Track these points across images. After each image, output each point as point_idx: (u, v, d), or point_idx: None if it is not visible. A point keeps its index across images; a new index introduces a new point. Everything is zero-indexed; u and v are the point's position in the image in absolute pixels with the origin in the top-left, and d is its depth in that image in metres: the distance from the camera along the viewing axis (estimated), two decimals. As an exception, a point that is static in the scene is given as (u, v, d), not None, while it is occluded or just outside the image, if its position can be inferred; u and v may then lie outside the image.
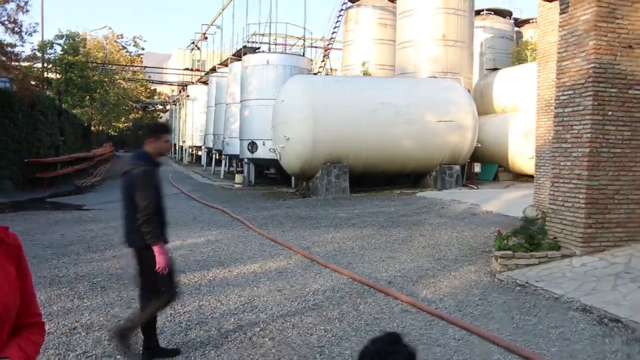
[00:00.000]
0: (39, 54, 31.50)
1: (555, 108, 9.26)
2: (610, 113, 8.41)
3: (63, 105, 30.77)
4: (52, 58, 32.96)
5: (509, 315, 6.43)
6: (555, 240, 8.81)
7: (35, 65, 32.29)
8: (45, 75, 31.53)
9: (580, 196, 8.46)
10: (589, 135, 8.39)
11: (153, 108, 72.90)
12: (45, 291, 7.10)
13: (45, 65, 31.85)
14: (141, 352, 5.04)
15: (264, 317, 6.21)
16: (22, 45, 39.15)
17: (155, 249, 4.88)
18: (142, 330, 5.06)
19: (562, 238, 8.77)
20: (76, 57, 33.68)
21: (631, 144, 8.52)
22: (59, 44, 33.48)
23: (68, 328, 5.77)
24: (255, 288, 7.42)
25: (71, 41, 34.12)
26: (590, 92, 8.37)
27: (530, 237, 8.74)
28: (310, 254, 9.53)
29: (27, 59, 30.52)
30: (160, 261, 4.86)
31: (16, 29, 21.76)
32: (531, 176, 16.22)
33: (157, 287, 4.98)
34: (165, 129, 5.39)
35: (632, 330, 5.82)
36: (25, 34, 22.80)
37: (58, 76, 33.45)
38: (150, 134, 5.17)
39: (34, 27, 23.86)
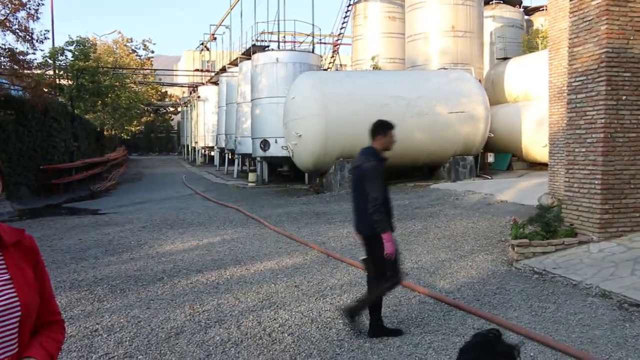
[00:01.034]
0: (50, 61, 31.77)
1: (568, 95, 9.19)
2: (624, 97, 8.33)
3: (75, 111, 31.01)
4: (64, 64, 33.25)
5: (527, 303, 6.41)
6: (572, 227, 8.75)
7: (47, 73, 32.57)
8: (57, 82, 31.80)
9: (596, 182, 8.39)
10: (603, 120, 8.32)
11: (164, 110, 73.30)
12: (66, 295, 7.19)
13: (56, 72, 32.12)
14: (368, 330, 5.48)
15: (282, 313, 6.24)
16: (34, 53, 39.61)
17: (384, 237, 5.24)
18: (369, 311, 5.49)
19: (578, 225, 8.71)
20: (87, 63, 33.94)
21: (646, 128, 8.43)
22: (70, 50, 33.77)
23: (89, 330, 5.83)
24: (273, 285, 7.45)
25: (82, 47, 34.37)
26: (604, 77, 8.30)
27: (546, 224, 8.69)
28: (326, 249, 9.55)
29: (39, 66, 30.78)
30: (387, 247, 5.24)
31: (27, 36, 21.93)
32: (545, 164, 16.10)
33: (384, 271, 5.37)
34: (391, 126, 5.77)
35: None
36: (37, 41, 22.95)
37: (70, 82, 33.73)
38: (378, 131, 5.64)
39: (44, 34, 23.99)
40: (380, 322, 5.51)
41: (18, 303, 1.88)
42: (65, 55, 33.51)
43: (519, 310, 6.20)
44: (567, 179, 9.15)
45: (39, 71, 29.14)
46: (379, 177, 5.36)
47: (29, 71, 23.07)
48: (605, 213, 8.33)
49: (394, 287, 5.67)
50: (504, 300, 6.59)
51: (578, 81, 8.85)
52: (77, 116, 30.72)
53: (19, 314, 1.88)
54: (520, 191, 14.99)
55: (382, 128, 5.64)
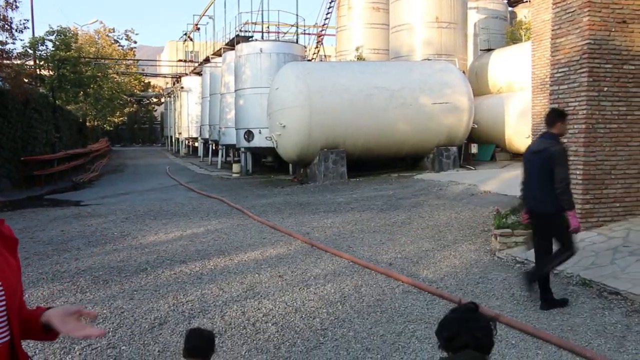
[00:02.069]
0: (30, 51, 31.29)
1: (551, 86, 9.27)
2: (605, 89, 8.42)
3: (57, 101, 30.62)
4: (44, 55, 32.76)
5: (510, 292, 6.48)
6: (554, 217, 8.84)
7: (27, 63, 32.10)
8: (38, 72, 31.37)
9: (578, 172, 8.48)
10: (584, 111, 8.40)
11: (148, 101, 72.68)
12: (48, 287, 7.13)
13: (37, 62, 31.65)
14: (541, 304, 5.89)
15: (266, 303, 6.24)
16: (13, 43, 39.02)
17: (570, 214, 5.75)
18: (541, 288, 5.93)
19: (560, 215, 8.80)
20: (68, 53, 33.50)
21: (627, 119, 8.54)
22: (51, 40, 33.25)
23: (72, 321, 5.78)
24: (257, 275, 7.45)
25: (62, 37, 33.87)
26: (585, 68, 8.38)
27: (528, 214, 8.77)
28: (310, 240, 9.56)
29: (19, 56, 30.32)
30: (573, 223, 5.75)
31: (6, 26, 21.59)
32: (528, 155, 16.21)
33: (565, 243, 5.89)
34: (566, 115, 6.24)
35: (631, 302, 5.87)
36: (16, 31, 22.63)
37: (51, 73, 33.28)
38: (557, 119, 5.98)
39: (24, 23, 23.64)
40: (550, 294, 5.93)
41: (2, 291, 1.86)
42: (46, 45, 33.01)
43: (501, 299, 6.27)
44: (549, 170, 9.22)
45: (18, 61, 28.69)
46: (566, 160, 5.87)
47: (8, 61, 22.73)
48: (587, 203, 8.43)
49: (569, 257, 6.05)
50: (486, 289, 6.65)
51: (560, 72, 8.93)
52: (59, 107, 30.34)
53: (4, 301, 1.86)
54: (503, 182, 15.10)
55: (560, 116, 6.04)
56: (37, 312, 2.00)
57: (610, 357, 4.63)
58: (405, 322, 5.59)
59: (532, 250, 6.36)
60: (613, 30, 8.39)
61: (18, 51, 28.34)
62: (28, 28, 25.50)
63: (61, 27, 34.47)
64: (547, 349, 4.87)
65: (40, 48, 32.09)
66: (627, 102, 8.52)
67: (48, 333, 2.00)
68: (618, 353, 4.75)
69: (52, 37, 33.27)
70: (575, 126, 8.56)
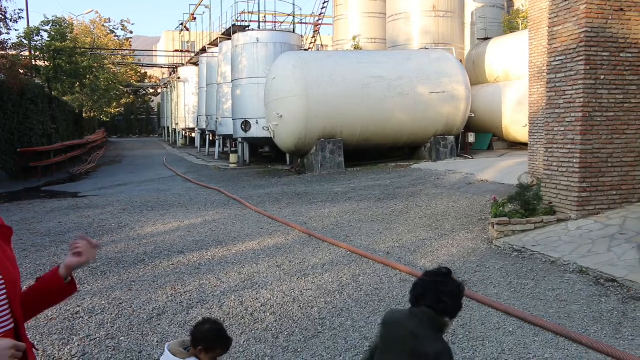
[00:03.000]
0: (25, 42, 31.10)
1: (548, 74, 9.25)
2: (602, 77, 8.41)
3: (53, 92, 30.48)
4: (40, 45, 32.54)
5: (507, 280, 6.50)
6: (551, 205, 8.87)
7: (22, 53, 31.93)
8: (34, 63, 31.19)
9: (575, 161, 8.49)
10: (581, 99, 8.39)
11: (144, 92, 72.44)
12: (46, 277, 7.12)
13: (32, 52, 31.46)
14: None
15: (264, 293, 6.26)
16: (8, 33, 38.68)
17: None
18: None
19: (557, 203, 8.83)
20: (64, 43, 33.26)
21: (624, 107, 8.53)
22: (46, 31, 32.99)
23: (71, 313, 5.80)
24: (255, 265, 7.46)
25: (58, 27, 33.61)
26: (582, 56, 8.36)
27: (525, 203, 8.80)
28: (308, 229, 9.57)
29: (14, 47, 30.13)
30: None
31: (0, 16, 21.47)
32: (525, 144, 16.24)
33: None
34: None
35: (627, 289, 5.90)
36: (10, 21, 22.52)
37: (46, 63, 33.09)
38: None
39: (18, 13, 23.55)
40: None
41: (2, 280, 1.90)
42: (41, 36, 32.74)
43: (498, 287, 6.29)
44: (546, 158, 9.25)
45: (13, 52, 28.54)
46: None
47: (3, 52, 22.58)
48: (583, 191, 8.45)
49: None
50: (483, 277, 6.68)
51: (557, 60, 8.91)
52: (55, 98, 30.19)
53: (4, 291, 1.91)
54: (500, 171, 15.12)
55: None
56: (53, 270, 2.19)
57: (607, 343, 4.66)
58: (403, 310, 5.60)
59: (529, 238, 6.37)
60: (610, 18, 8.37)
61: (13, 41, 28.21)
62: (23, 18, 25.22)
63: (56, 17, 34.21)
64: (544, 336, 4.89)
65: (36, 38, 31.86)
66: (624, 90, 8.51)
67: (69, 284, 2.23)
68: (614, 339, 4.78)
69: (48, 28, 33.02)
70: (573, 114, 8.57)
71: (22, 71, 25.02)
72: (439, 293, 2.31)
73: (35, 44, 31.75)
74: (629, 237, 7.31)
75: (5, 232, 2.03)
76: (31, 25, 30.63)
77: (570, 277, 6.49)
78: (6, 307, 1.92)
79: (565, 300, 5.77)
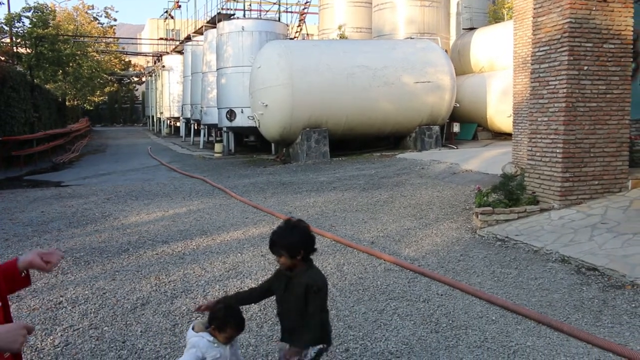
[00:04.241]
0: (6, 28, 30.63)
1: (532, 64, 9.30)
2: (585, 68, 8.47)
3: (35, 80, 30.09)
4: (21, 32, 32.06)
5: (490, 269, 6.56)
6: (534, 195, 8.95)
7: (3, 40, 31.46)
8: (15, 50, 30.75)
9: (558, 151, 8.56)
10: (565, 90, 8.45)
11: (128, 80, 71.74)
12: (28, 267, 7.06)
13: (13, 39, 31.00)
14: None
15: (249, 282, 6.26)
16: (-12, 19, 38.01)
17: None
18: None
19: (540, 192, 8.90)
20: (46, 30, 32.79)
21: (606, 98, 8.61)
22: (27, 17, 32.48)
23: (53, 303, 5.76)
24: (239, 254, 7.46)
25: (40, 13, 33.13)
26: (566, 47, 8.41)
27: (509, 192, 8.87)
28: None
29: (-6, 33, 29.70)
30: None
31: (-19, 2, 21.09)
32: (510, 134, 16.35)
33: None
34: None
35: (608, 278, 5.98)
36: (-9, 7, 22.11)
37: (28, 50, 32.64)
38: None
39: (-1, 0, 23.12)
40: None
41: None
42: (23, 22, 32.24)
43: (482, 276, 6.35)
44: (529, 148, 9.32)
45: (-6, 39, 28.13)
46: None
47: (-17, 39, 22.23)
48: (566, 181, 8.53)
49: None
50: (467, 266, 6.73)
51: (542, 51, 8.96)
52: (37, 86, 29.79)
53: None
54: (485, 160, 15.20)
55: None
56: (12, 261, 2.31)
57: (587, 331, 4.72)
58: (387, 299, 5.64)
59: (513, 228, 6.42)
60: (594, 9, 8.42)
61: (-7, 28, 27.77)
62: (3, 4, 24.99)
63: (38, 4, 33.71)
64: (526, 324, 4.95)
65: (17, 25, 31.38)
66: (607, 81, 8.59)
67: (24, 278, 2.32)
68: (595, 327, 4.85)
69: (29, 14, 32.52)
70: (556, 105, 8.63)
71: (2, 58, 24.67)
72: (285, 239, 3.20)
73: (16, 31, 31.28)
74: (610, 227, 7.40)
75: None
76: (12, 11, 30.14)
77: (552, 266, 6.56)
78: None
79: (547, 288, 5.84)
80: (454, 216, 9.46)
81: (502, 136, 22.68)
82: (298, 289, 3.15)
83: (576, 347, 4.46)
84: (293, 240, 3.15)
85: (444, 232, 8.45)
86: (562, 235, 7.45)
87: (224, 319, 3.02)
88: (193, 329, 3.06)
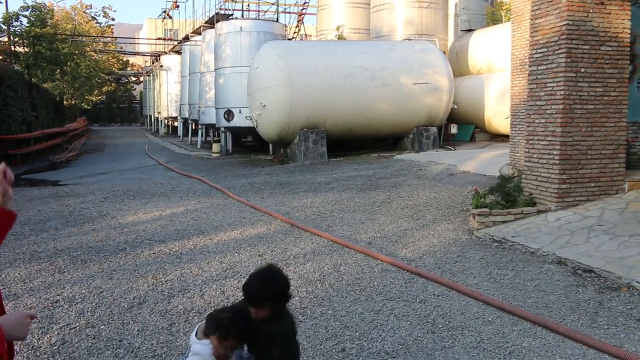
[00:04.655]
0: (4, 27, 30.57)
1: (529, 66, 9.33)
2: (583, 70, 8.50)
3: (33, 79, 30.05)
4: (19, 31, 32.01)
5: (487, 271, 6.58)
6: (531, 197, 8.97)
7: (0, 39, 31.41)
8: (13, 49, 30.70)
9: (555, 152, 8.59)
10: (562, 92, 8.48)
11: (126, 80, 71.67)
12: (25, 267, 7.06)
13: (11, 38, 30.94)
14: None
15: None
16: (-14, 18, 37.92)
17: None
18: None
19: (537, 194, 8.93)
20: (44, 29, 32.75)
21: (603, 100, 8.64)
22: (25, 16, 32.44)
23: (50, 302, 5.76)
24: (237, 254, 7.46)
25: (38, 13, 33.09)
26: (564, 49, 8.43)
27: (506, 194, 8.89)
28: (290, 219, 9.58)
29: (-8, 32, 29.63)
30: None
31: (-21, 1, 21.06)
32: (507, 136, 16.38)
33: None
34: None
35: (604, 279, 6.00)
36: (-11, 6, 22.10)
37: (26, 49, 32.59)
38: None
39: (-3, -2, 23.08)
40: None
41: None
42: (20, 21, 32.19)
43: (478, 277, 6.36)
44: (527, 150, 9.34)
45: (-8, 37, 28.09)
46: None
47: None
48: (563, 183, 8.55)
49: None
50: (464, 267, 6.74)
51: (539, 53, 8.98)
52: (35, 85, 29.76)
53: None
54: (482, 162, 15.22)
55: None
56: None
57: (583, 332, 4.74)
58: (383, 300, 5.65)
59: (509, 229, 6.44)
60: (591, 11, 8.45)
61: (-9, 27, 27.73)
62: (1, 2, 24.93)
63: (36, 3, 33.68)
64: (522, 325, 4.97)
65: (15, 24, 31.33)
66: (604, 83, 8.61)
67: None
68: (590, 328, 4.86)
69: (27, 13, 32.48)
70: (553, 107, 8.65)
71: (0, 57, 24.61)
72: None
73: (14, 30, 31.23)
74: (606, 229, 7.43)
75: None
76: (10, 10, 30.11)
77: (549, 268, 6.58)
78: None
79: (544, 290, 5.86)
80: (451, 217, 9.47)
81: (499, 138, 22.72)
82: (267, 339, 2.84)
83: (572, 349, 4.48)
84: (278, 289, 2.85)
85: (441, 233, 8.46)
86: (559, 237, 7.46)
87: (229, 328, 2.78)
88: (196, 334, 2.89)
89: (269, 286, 2.81)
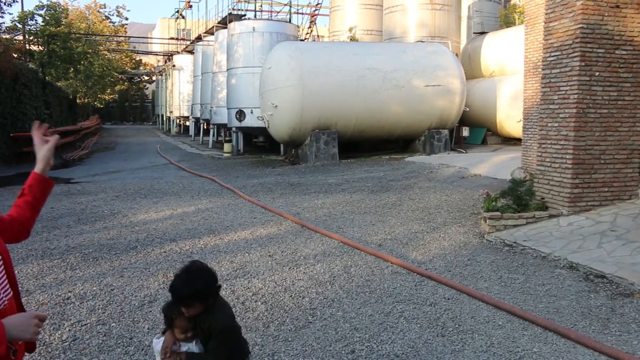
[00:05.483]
0: (19, 26, 30.87)
1: (543, 70, 9.27)
2: (597, 74, 8.43)
3: (47, 77, 30.30)
4: (34, 30, 32.30)
5: (497, 274, 6.54)
6: (543, 201, 8.92)
7: (16, 38, 31.69)
8: (27, 48, 30.97)
9: (567, 157, 8.53)
10: (575, 96, 8.42)
11: (139, 79, 72.12)
12: (38, 263, 7.12)
13: (26, 37, 31.23)
14: None
15: (256, 282, 6.27)
16: (2, 17, 38.34)
17: None
18: None
19: (549, 198, 8.87)
20: (58, 28, 33.05)
21: (617, 104, 8.57)
22: (40, 15, 32.76)
23: (62, 298, 5.80)
24: (247, 254, 7.48)
25: (52, 12, 33.39)
26: (578, 52, 8.38)
27: (518, 198, 8.84)
28: (301, 220, 9.59)
29: (8, 30, 29.93)
30: None
31: (-5, -1, 21.29)
32: (519, 139, 16.30)
33: None
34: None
35: (616, 285, 5.95)
36: (4, 4, 22.37)
37: (40, 48, 32.88)
38: None
39: (13, -3, 23.35)
40: None
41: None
42: (35, 20, 32.51)
43: (489, 281, 6.33)
44: (539, 154, 9.29)
45: (7, 36, 28.35)
46: None
47: (-3, 35, 22.42)
48: (576, 187, 8.49)
49: None
50: (474, 271, 6.71)
51: (553, 56, 8.93)
52: (49, 83, 30.01)
53: (1, 262, 2.02)
54: (494, 165, 15.17)
55: None
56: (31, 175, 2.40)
57: (595, 338, 4.70)
58: (393, 302, 5.64)
59: (521, 233, 6.40)
60: (606, 14, 8.39)
61: (7, 25, 28.02)
62: (17, 2, 25.24)
63: (51, 2, 33.98)
64: (533, 330, 4.94)
65: (30, 23, 31.65)
66: (618, 87, 8.55)
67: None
68: (602, 335, 4.82)
69: (42, 12, 32.80)
70: (566, 110, 8.60)
71: (15, 55, 24.86)
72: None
73: (29, 29, 31.52)
74: (619, 234, 7.37)
75: None
76: (25, 9, 30.38)
77: (560, 273, 6.54)
78: (4, 278, 2.03)
79: (555, 295, 5.82)
80: (462, 220, 9.44)
81: (511, 141, 22.61)
82: (207, 335, 2.79)
83: (583, 355, 4.45)
84: (204, 285, 2.75)
85: (451, 236, 8.43)
86: (571, 242, 7.41)
87: (166, 313, 2.86)
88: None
89: (195, 282, 2.72)
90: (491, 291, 5.95)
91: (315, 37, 35.30)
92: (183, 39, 48.79)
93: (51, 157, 2.43)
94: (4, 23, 26.42)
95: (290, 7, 29.79)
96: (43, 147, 2.42)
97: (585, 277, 6.31)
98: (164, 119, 53.46)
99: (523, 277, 6.44)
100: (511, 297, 5.78)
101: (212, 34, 30.84)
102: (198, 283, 2.72)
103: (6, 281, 2.02)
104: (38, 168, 2.40)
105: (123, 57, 59.77)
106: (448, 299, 5.75)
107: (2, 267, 2.01)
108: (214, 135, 31.67)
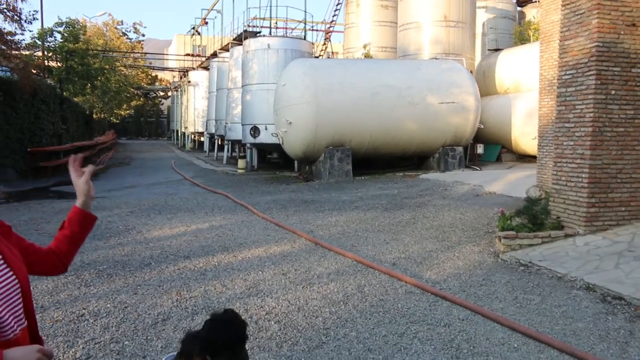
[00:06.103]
0: (39, 42, 31.34)
1: (558, 88, 9.23)
2: (613, 92, 8.38)
3: (64, 93, 30.69)
4: (52, 46, 32.79)
5: (513, 295, 6.47)
6: (559, 220, 8.83)
7: (35, 54, 32.16)
8: (46, 64, 31.42)
9: (583, 175, 8.46)
10: (591, 114, 8.37)
11: (154, 94, 72.79)
12: (52, 280, 7.15)
13: (45, 53, 31.70)
14: None
15: (269, 301, 6.26)
16: (22, 34, 38.94)
17: None
18: None
19: (565, 218, 8.78)
20: (76, 45, 33.51)
21: (634, 123, 8.50)
22: (59, 32, 33.25)
23: (76, 315, 5.83)
24: (260, 272, 7.47)
25: (71, 29, 33.88)
26: (594, 71, 8.34)
27: (533, 217, 8.77)
28: (314, 238, 9.57)
29: (27, 47, 30.33)
30: None
31: (15, 17, 21.66)
32: (534, 157, 16.20)
33: None
34: None
35: (635, 307, 5.86)
36: (25, 22, 22.72)
37: (59, 64, 33.33)
38: None
39: (33, 14, 23.71)
40: None
41: (17, 280, 1.99)
42: (54, 37, 32.99)
43: (504, 301, 6.26)
44: (555, 172, 9.21)
45: (27, 52, 28.79)
46: None
47: (17, 52, 22.77)
48: (592, 207, 8.41)
49: None
50: (489, 291, 6.65)
51: (568, 74, 8.89)
52: (66, 99, 30.39)
53: (19, 290, 1.99)
54: (508, 183, 15.07)
55: None
56: (72, 210, 2.41)
57: (612, 362, 4.62)
58: (407, 322, 5.59)
59: (536, 253, 6.33)
60: (622, 33, 8.35)
61: (27, 42, 28.45)
62: (37, 19, 25.58)
63: (70, 19, 34.49)
64: (549, 352, 4.86)
65: (49, 39, 32.12)
66: (635, 106, 8.48)
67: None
68: (621, 359, 4.74)
69: (61, 29, 33.28)
70: (582, 129, 8.54)
71: (34, 71, 25.21)
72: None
73: (48, 45, 32.00)
74: (637, 255, 7.27)
75: (6, 230, 2.11)
76: (45, 26, 30.88)
77: (576, 294, 6.45)
78: (20, 305, 2.00)
79: (572, 317, 5.74)
80: (477, 239, 9.37)
81: (526, 158, 22.47)
82: None
83: (601, 379, 4.37)
84: (234, 336, 2.41)
85: (466, 256, 8.37)
86: (587, 262, 7.32)
87: (187, 348, 2.44)
88: None
89: (226, 331, 2.41)
90: (506, 312, 5.89)
91: (330, 53, 35.47)
92: (198, 55, 49.27)
93: (90, 188, 2.44)
94: (24, 40, 26.86)
95: (305, 24, 30.00)
96: (79, 180, 2.43)
97: (602, 299, 6.22)
98: (179, 135, 53.86)
99: (539, 298, 6.37)
100: (526, 318, 5.71)
101: (228, 50, 31.11)
102: (232, 331, 2.40)
103: (21, 311, 2.01)
104: (78, 202, 2.41)
105: (139, 73, 60.44)
106: (462, 319, 5.69)
107: (20, 296, 2.01)
108: (228, 151, 31.83)
